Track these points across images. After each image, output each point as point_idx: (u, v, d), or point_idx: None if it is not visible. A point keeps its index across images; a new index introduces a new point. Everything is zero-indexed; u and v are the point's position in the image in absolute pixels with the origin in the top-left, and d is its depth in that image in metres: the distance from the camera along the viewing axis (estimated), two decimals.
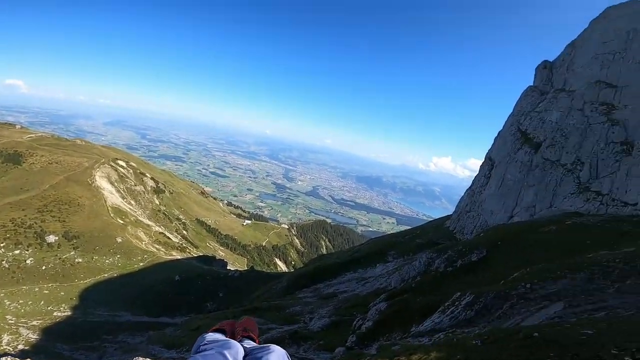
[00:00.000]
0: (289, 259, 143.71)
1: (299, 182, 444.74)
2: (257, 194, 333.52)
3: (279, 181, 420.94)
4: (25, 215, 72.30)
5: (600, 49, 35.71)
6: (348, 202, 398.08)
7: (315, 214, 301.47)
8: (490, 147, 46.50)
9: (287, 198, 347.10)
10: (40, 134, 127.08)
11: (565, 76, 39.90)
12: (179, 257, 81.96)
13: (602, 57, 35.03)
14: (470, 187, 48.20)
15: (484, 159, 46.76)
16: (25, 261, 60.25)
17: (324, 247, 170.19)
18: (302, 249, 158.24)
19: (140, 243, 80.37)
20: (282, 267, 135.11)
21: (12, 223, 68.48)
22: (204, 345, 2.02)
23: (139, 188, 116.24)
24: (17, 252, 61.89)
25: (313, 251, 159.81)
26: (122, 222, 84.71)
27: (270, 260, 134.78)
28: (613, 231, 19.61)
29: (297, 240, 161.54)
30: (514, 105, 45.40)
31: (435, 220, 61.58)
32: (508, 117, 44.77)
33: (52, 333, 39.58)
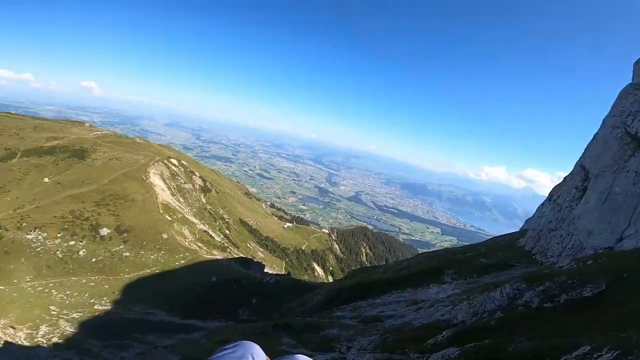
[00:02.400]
0: (327, 264, 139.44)
1: (342, 187, 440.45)
2: (300, 196, 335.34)
3: (322, 185, 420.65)
4: (83, 208, 76.22)
5: None
6: (391, 209, 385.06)
7: (357, 219, 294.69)
8: (581, 154, 37.92)
9: (329, 202, 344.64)
10: (105, 132, 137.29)
11: None
12: (219, 257, 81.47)
13: None
14: (552, 200, 39.84)
15: (573, 168, 38.26)
16: (78, 252, 62.62)
17: (364, 255, 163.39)
18: (342, 255, 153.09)
19: (184, 240, 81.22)
20: (320, 272, 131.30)
21: (71, 215, 72.46)
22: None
23: (188, 186, 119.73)
24: (72, 242, 64.75)
25: (352, 258, 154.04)
26: (169, 218, 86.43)
27: (309, 264, 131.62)
28: None
29: (336, 246, 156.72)
30: (610, 105, 36.62)
31: (502, 236, 53.14)
32: (605, 119, 36.15)
33: (88, 327, 39.02)
